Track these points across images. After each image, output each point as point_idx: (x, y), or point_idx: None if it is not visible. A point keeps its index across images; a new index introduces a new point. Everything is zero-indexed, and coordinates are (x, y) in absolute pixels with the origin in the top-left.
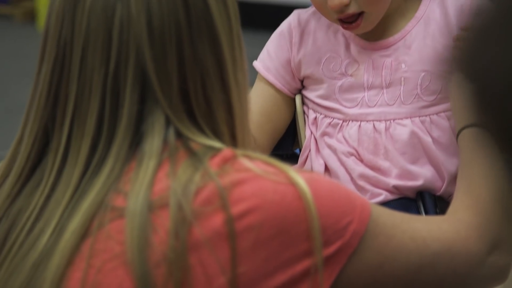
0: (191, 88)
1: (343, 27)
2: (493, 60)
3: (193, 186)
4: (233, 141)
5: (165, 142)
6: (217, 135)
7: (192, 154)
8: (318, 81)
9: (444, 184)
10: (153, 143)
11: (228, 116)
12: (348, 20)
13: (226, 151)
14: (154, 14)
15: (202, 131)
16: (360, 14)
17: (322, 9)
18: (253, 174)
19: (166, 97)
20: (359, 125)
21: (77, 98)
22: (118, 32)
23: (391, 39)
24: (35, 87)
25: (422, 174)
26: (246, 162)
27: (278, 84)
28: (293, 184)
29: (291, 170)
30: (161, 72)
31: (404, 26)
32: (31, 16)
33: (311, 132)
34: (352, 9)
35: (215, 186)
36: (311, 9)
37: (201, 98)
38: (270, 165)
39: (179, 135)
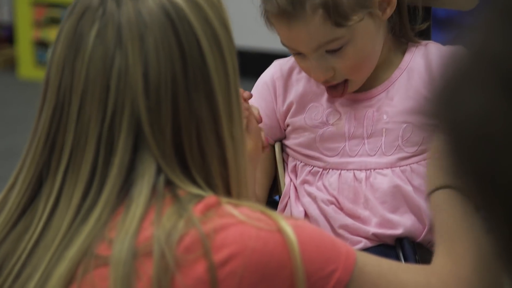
0: (186, 140)
1: (329, 94)
2: (463, 111)
3: (176, 234)
4: (228, 194)
5: (153, 189)
6: (211, 188)
7: (177, 201)
8: (300, 130)
9: (424, 231)
10: (141, 191)
11: (223, 169)
12: (333, 85)
13: (210, 197)
14: (151, 65)
15: (195, 182)
16: (345, 81)
17: (309, 73)
18: (236, 220)
19: (159, 147)
20: (340, 174)
21: (73, 146)
22: (115, 82)
23: (374, 91)
24: (34, 134)
25: (402, 223)
26: (229, 209)
27: (266, 137)
28: (279, 230)
29: (279, 216)
30: (155, 123)
31: (387, 78)
32: (10, 64)
33: (291, 180)
34: (337, 80)
35: (198, 233)
36: (291, 58)
37: (196, 150)
38: (257, 212)
39: (168, 183)
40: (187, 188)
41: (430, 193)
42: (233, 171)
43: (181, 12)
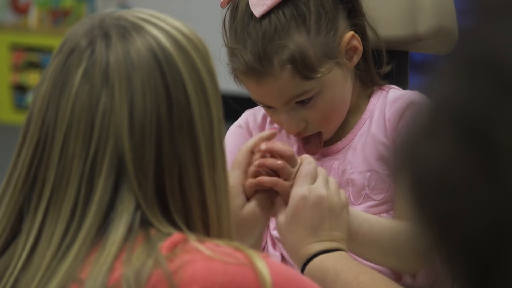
0: (168, 183)
1: (305, 152)
2: (424, 163)
3: (145, 273)
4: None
5: (130, 229)
6: (192, 231)
7: (148, 239)
8: None
9: (402, 280)
10: (118, 230)
11: (204, 214)
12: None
13: (177, 235)
14: (136, 105)
15: (175, 225)
16: (320, 136)
17: (281, 126)
18: (203, 256)
19: (141, 187)
20: None
21: (55, 183)
22: (100, 120)
23: (339, 144)
24: (13, 170)
25: (378, 270)
26: (196, 245)
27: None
28: (250, 263)
29: (254, 252)
30: (138, 163)
31: (351, 129)
32: None
33: (268, 226)
34: (309, 131)
35: (163, 271)
36: (258, 109)
37: (177, 193)
38: (227, 247)
39: (145, 222)
40: (164, 229)
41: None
42: (213, 216)
43: (169, 56)
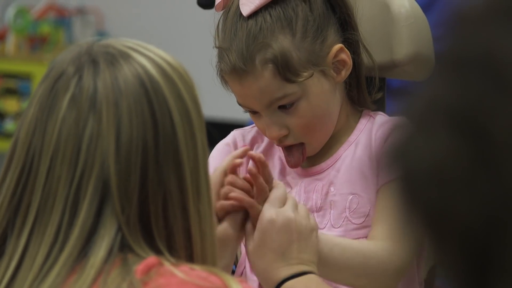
0: (152, 209)
1: (287, 163)
2: (418, 160)
3: None
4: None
5: (110, 252)
6: (175, 258)
7: (124, 263)
8: None
9: None
10: (98, 254)
11: (187, 243)
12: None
13: (151, 258)
14: (123, 131)
15: (159, 251)
16: (303, 149)
17: (264, 133)
18: (178, 279)
19: (124, 213)
20: None
21: (39, 207)
22: (87, 144)
23: (323, 165)
24: None
25: None
26: (171, 268)
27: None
28: (226, 287)
29: (230, 277)
30: (123, 188)
31: (336, 150)
32: None
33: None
34: (292, 140)
35: None
36: (247, 130)
37: (161, 220)
38: (201, 271)
39: (125, 246)
40: (144, 255)
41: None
42: (197, 245)
43: (156, 84)
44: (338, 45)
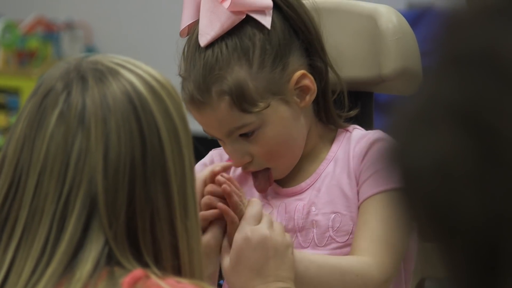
0: (140, 226)
1: (255, 188)
2: (422, 156)
3: None
4: None
5: (96, 266)
6: (162, 272)
7: (110, 275)
8: None
9: None
10: (84, 268)
11: (175, 259)
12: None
13: (138, 271)
14: (111, 147)
15: (146, 265)
16: (267, 169)
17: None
18: None
19: (111, 228)
20: None
21: (27, 222)
22: (75, 160)
23: (303, 184)
24: None
25: None
26: (158, 281)
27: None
28: None
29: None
30: (110, 204)
31: (315, 169)
32: None
33: None
34: (256, 166)
35: None
36: None
37: (149, 237)
38: (188, 284)
39: (112, 260)
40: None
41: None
42: (184, 261)
43: (144, 101)
44: (299, 72)
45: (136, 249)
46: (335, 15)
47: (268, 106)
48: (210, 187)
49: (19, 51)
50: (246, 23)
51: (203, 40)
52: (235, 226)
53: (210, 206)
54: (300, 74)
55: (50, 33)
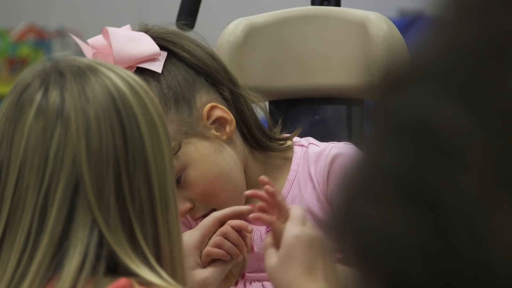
0: (132, 216)
1: None
2: (364, 227)
3: None
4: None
5: (84, 261)
6: (145, 266)
7: (95, 286)
8: None
9: None
10: (72, 262)
11: (157, 251)
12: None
13: (122, 280)
14: (93, 136)
15: (144, 257)
16: (213, 210)
17: None
18: None
19: (103, 217)
20: (262, 284)
21: (9, 218)
22: (54, 152)
23: None
24: None
25: None
26: None
27: None
28: None
29: None
30: (97, 192)
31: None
32: None
33: None
34: (202, 211)
35: None
36: None
37: (143, 227)
38: None
39: (102, 247)
40: (129, 263)
41: None
42: (166, 255)
43: (124, 96)
44: (208, 106)
45: (132, 240)
46: (326, 22)
47: (179, 147)
48: (225, 228)
49: (10, 58)
50: (140, 74)
51: None
52: (278, 226)
53: (218, 246)
54: (209, 108)
55: (42, 40)
